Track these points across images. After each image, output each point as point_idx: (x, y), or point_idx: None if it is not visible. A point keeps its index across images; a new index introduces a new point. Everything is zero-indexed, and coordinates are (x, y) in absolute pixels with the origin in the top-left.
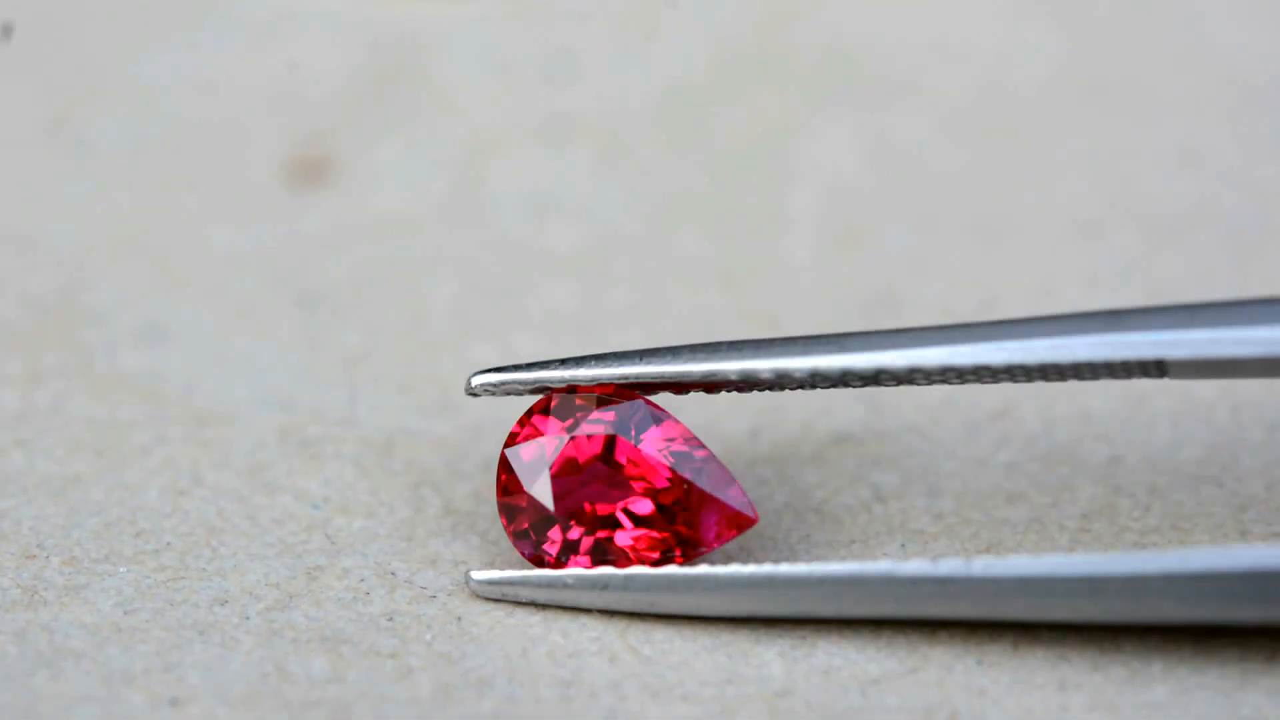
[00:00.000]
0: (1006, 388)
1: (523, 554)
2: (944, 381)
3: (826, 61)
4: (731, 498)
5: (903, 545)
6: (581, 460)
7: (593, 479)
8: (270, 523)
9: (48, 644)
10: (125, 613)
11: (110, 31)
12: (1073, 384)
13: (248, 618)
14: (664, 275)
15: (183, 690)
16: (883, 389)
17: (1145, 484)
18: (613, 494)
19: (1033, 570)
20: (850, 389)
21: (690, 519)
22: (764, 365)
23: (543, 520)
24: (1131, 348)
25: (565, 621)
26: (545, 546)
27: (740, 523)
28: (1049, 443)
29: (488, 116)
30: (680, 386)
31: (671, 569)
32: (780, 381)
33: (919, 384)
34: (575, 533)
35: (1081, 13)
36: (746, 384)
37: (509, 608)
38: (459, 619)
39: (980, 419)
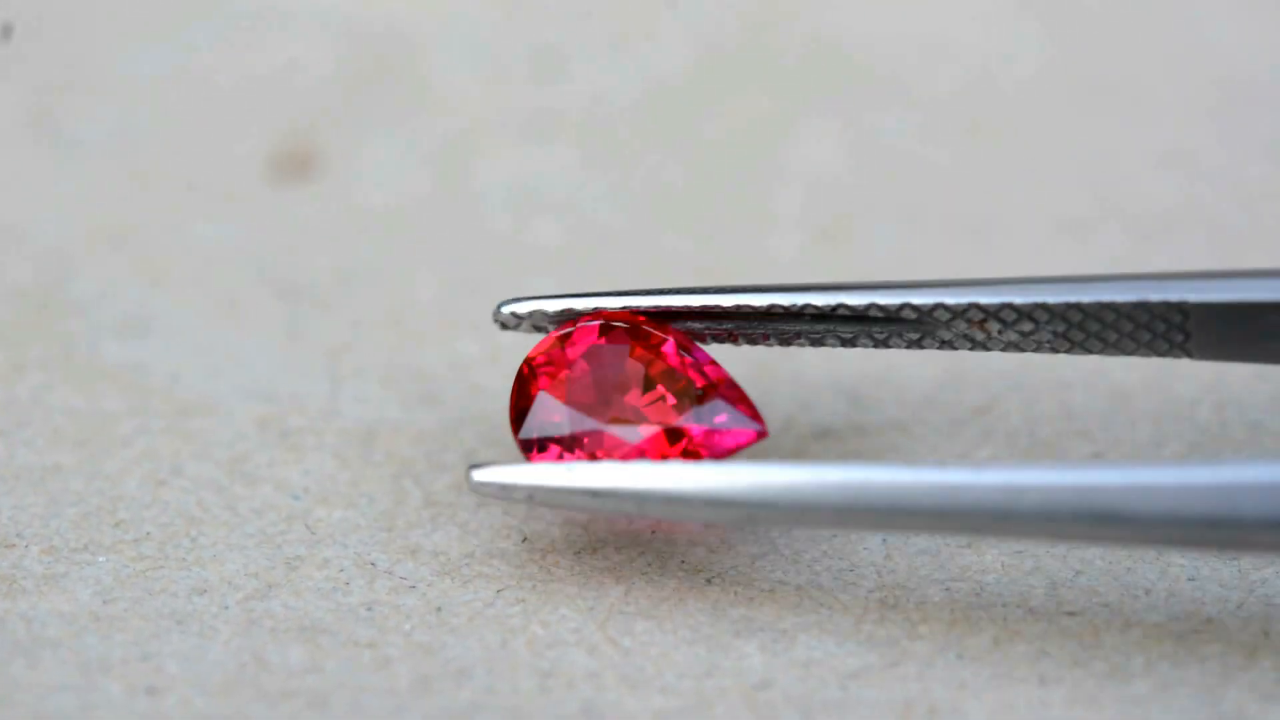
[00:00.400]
0: (990, 381)
1: (525, 454)
2: (965, 334)
3: (813, 59)
4: (742, 412)
5: (884, 540)
6: (598, 380)
7: (608, 401)
8: (250, 513)
9: (25, 633)
10: (104, 602)
11: (96, 24)
12: (1055, 379)
13: (226, 607)
14: (649, 271)
15: (160, 679)
16: (867, 385)
17: None
18: (627, 415)
19: (1044, 480)
20: (871, 343)
21: (700, 434)
22: (789, 299)
23: (554, 433)
24: (1154, 291)
25: (545, 612)
26: (549, 448)
27: (749, 435)
28: (1031, 440)
29: (474, 111)
30: (705, 330)
31: (672, 468)
32: (803, 323)
33: (939, 332)
34: (585, 444)
35: (1068, 12)
36: (770, 329)
37: (488, 598)
38: (438, 609)
39: (962, 415)
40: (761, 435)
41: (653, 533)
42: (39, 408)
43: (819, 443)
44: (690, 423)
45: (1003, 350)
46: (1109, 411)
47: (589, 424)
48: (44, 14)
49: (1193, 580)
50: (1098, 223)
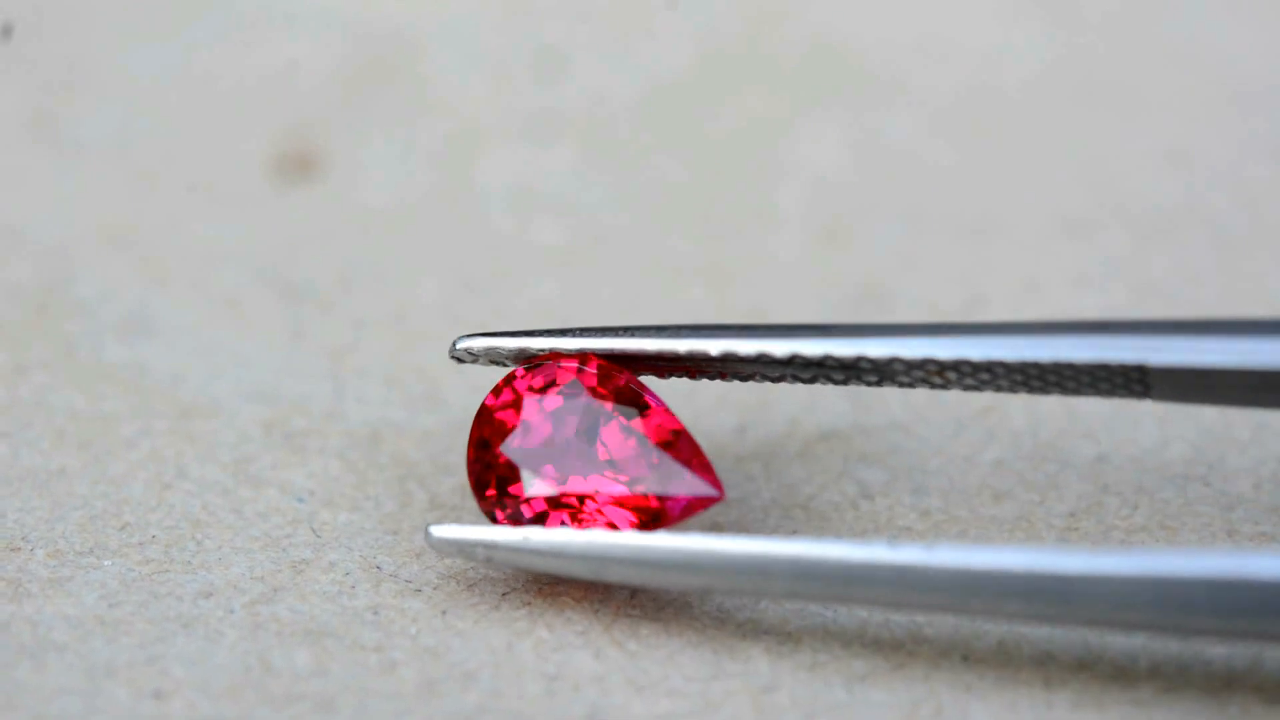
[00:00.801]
0: None
1: (485, 513)
2: (924, 379)
3: (815, 60)
4: (698, 474)
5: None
6: (555, 431)
7: (564, 452)
8: (255, 516)
9: (31, 636)
10: (109, 605)
11: (98, 24)
12: None
13: (232, 611)
14: (650, 271)
15: (166, 683)
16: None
17: (1132, 482)
18: (583, 469)
19: (997, 563)
20: (831, 384)
21: (656, 495)
22: (745, 347)
23: (509, 480)
24: (1114, 349)
25: (550, 615)
26: (508, 506)
27: (705, 499)
28: (1035, 440)
29: (475, 112)
30: (662, 366)
31: (628, 537)
32: (759, 367)
33: (898, 379)
34: (541, 497)
35: (1070, 13)
36: (728, 369)
37: (494, 600)
38: (444, 613)
39: (967, 416)
40: (718, 499)
41: None
42: (42, 409)
43: (824, 443)
44: (648, 480)
45: (964, 390)
46: (1114, 412)
47: (546, 474)
48: (44, 14)
49: None
50: (1098, 223)
